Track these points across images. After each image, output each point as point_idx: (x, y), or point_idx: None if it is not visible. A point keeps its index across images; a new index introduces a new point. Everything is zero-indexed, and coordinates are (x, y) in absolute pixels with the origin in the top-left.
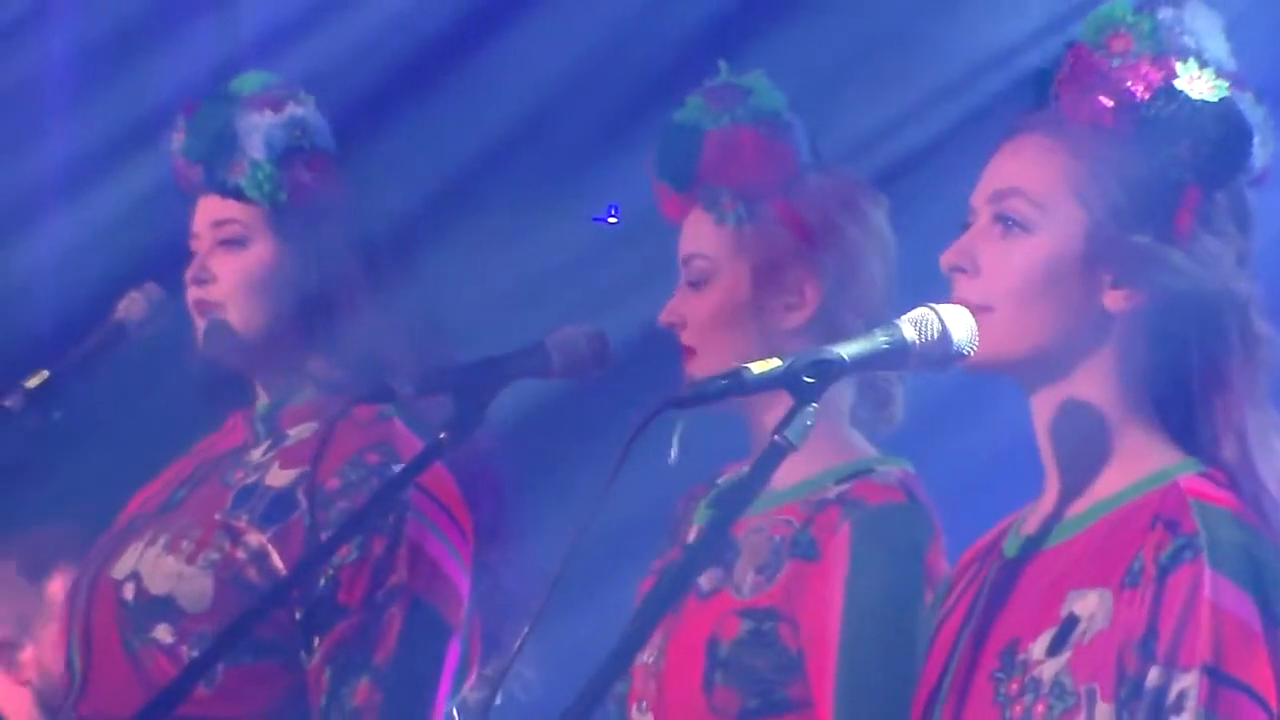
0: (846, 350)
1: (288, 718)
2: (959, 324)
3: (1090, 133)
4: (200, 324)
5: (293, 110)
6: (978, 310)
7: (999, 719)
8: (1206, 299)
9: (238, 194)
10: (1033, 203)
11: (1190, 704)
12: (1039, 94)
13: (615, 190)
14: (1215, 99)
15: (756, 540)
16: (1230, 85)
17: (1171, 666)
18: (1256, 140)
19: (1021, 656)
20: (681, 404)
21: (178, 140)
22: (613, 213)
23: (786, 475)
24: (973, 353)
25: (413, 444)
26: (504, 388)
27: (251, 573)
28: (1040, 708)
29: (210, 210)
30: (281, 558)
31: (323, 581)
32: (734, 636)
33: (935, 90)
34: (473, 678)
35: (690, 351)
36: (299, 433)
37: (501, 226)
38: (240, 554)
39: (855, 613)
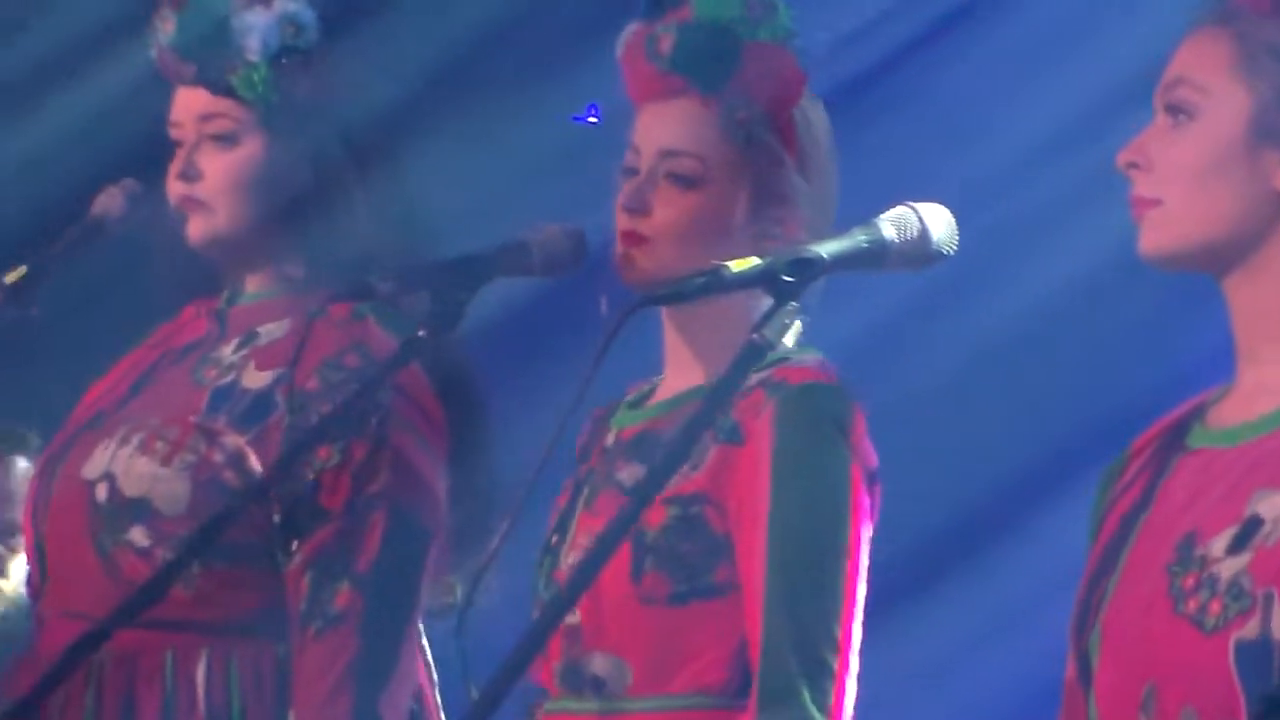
0: (826, 249)
1: (264, 622)
2: (938, 223)
3: (1258, 18)
4: (186, 219)
5: (284, 6)
6: (1149, 204)
7: (1171, 611)
8: None
9: (229, 92)
10: (1196, 88)
11: None
12: None
13: (596, 90)
14: None
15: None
16: None
17: None
18: None
19: (1200, 551)
20: (659, 301)
21: (165, 31)
22: (593, 113)
23: (705, 374)
24: (951, 251)
25: (387, 344)
26: (484, 285)
27: (229, 475)
28: (1215, 606)
29: (197, 103)
30: (259, 460)
31: (303, 485)
32: (660, 523)
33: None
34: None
35: (642, 240)
36: (270, 331)
37: (483, 125)
38: (217, 456)
39: (782, 490)
